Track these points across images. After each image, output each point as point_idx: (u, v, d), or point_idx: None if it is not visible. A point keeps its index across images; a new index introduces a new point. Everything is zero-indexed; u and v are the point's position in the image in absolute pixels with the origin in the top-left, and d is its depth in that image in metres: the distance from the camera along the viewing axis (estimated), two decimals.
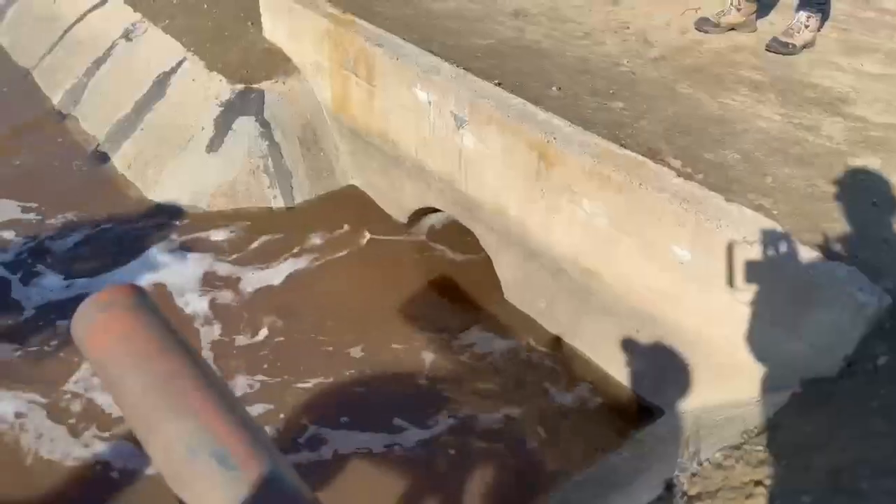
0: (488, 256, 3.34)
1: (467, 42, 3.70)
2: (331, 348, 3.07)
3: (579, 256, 2.74)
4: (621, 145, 2.63)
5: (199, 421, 1.52)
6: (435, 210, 3.65)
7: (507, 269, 3.23)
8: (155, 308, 1.86)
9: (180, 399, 1.47)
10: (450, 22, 3.97)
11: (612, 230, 2.54)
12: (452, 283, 3.46)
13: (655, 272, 2.46)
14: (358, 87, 3.66)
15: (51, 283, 3.34)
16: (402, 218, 3.82)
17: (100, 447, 2.62)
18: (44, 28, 5.37)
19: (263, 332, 3.14)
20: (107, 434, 2.66)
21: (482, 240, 3.29)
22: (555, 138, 2.65)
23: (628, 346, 2.69)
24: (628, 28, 3.87)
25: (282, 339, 3.13)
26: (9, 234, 3.62)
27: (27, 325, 3.12)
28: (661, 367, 2.60)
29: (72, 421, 2.71)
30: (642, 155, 2.58)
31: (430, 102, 3.19)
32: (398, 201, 3.81)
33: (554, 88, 3.20)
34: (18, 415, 2.71)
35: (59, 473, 2.54)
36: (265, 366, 2.97)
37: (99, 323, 1.69)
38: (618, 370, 2.83)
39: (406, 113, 3.39)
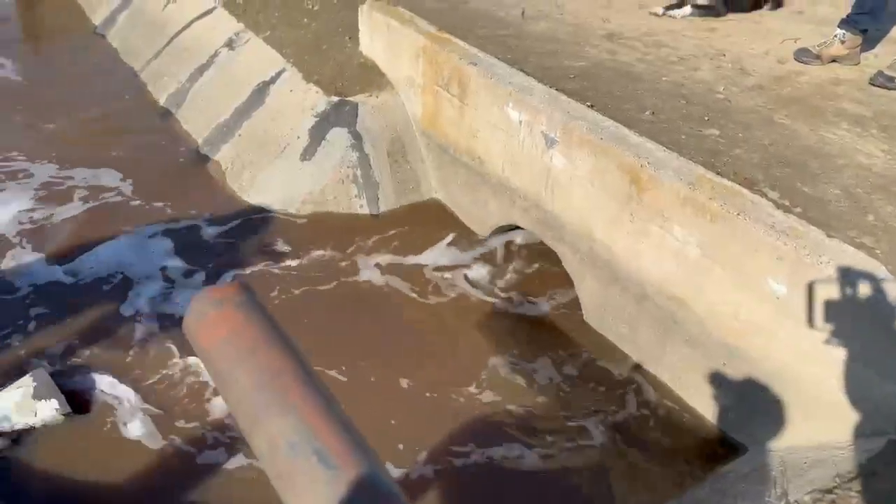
0: (568, 277, 3.34)
1: (560, 63, 3.73)
2: (398, 359, 3.12)
3: (666, 283, 2.71)
4: (717, 174, 2.60)
5: (300, 418, 1.59)
6: (517, 228, 3.68)
7: (588, 292, 3.22)
8: (262, 306, 1.96)
9: (284, 396, 1.54)
10: (544, 43, 4.01)
11: (704, 259, 2.51)
12: (528, 301, 3.47)
13: (748, 304, 2.41)
14: (449, 104, 3.74)
15: (147, 272, 3.52)
16: (484, 233, 3.86)
17: (191, 436, 2.74)
18: (152, 33, 5.69)
19: (338, 332, 3.22)
20: (198, 424, 2.79)
21: (564, 260, 3.30)
22: (648, 163, 2.65)
23: (713, 378, 2.64)
24: (724, 55, 3.83)
25: (356, 337, 3.20)
26: (114, 227, 3.83)
27: (129, 316, 3.29)
28: (748, 403, 2.54)
29: (167, 409, 2.84)
30: (738, 184, 2.54)
31: (521, 122, 3.23)
32: (481, 217, 3.85)
33: (647, 113, 3.19)
34: (118, 399, 2.87)
35: (150, 458, 2.67)
36: (343, 367, 3.04)
37: (210, 318, 1.79)
38: (701, 402, 2.78)
39: (496, 131, 3.43)
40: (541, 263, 3.66)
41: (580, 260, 3.17)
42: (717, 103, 3.31)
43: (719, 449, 2.66)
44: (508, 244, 3.84)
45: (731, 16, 4.36)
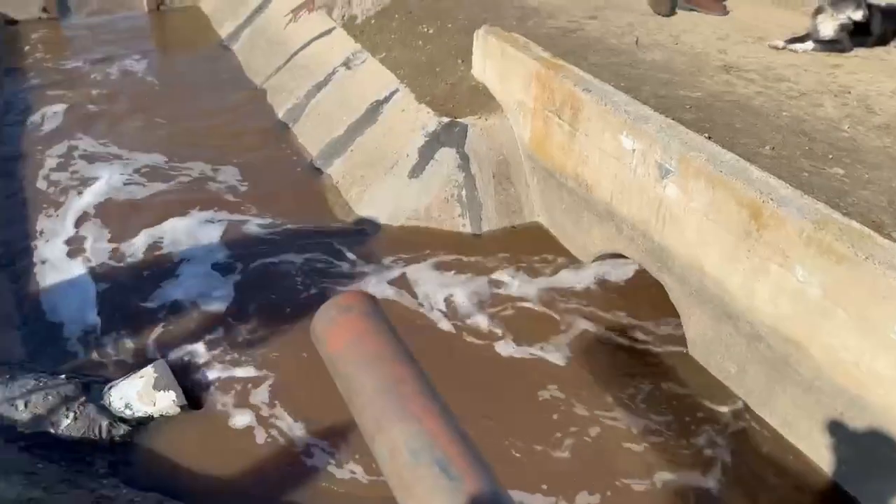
0: (673, 309, 3.28)
1: (675, 93, 3.70)
2: (496, 382, 3.14)
3: (783, 324, 2.63)
4: (843, 214, 2.51)
5: (422, 427, 1.64)
6: (620, 256, 3.65)
7: (695, 326, 3.15)
8: (385, 316, 2.03)
9: (406, 404, 1.59)
10: (658, 72, 3.98)
11: (826, 301, 2.43)
12: (630, 331, 3.42)
13: (872, 352, 2.31)
14: (559, 129, 3.76)
15: (260, 274, 3.69)
16: (586, 259, 3.84)
17: (299, 436, 2.85)
18: (273, 51, 5.99)
19: (436, 351, 3.26)
20: (307, 424, 2.89)
21: (671, 293, 3.24)
22: (771, 199, 2.58)
23: (829, 426, 2.54)
24: (849, 92, 3.69)
25: (451, 359, 3.24)
26: (229, 229, 4.04)
27: (243, 316, 3.46)
28: (867, 456, 2.42)
29: (279, 407, 2.97)
30: (865, 226, 2.45)
31: (634, 150, 3.22)
32: (583, 243, 3.84)
33: (767, 147, 3.12)
34: (231, 395, 3.02)
35: (257, 454, 2.79)
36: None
37: (337, 324, 1.87)
38: (814, 451, 2.67)
39: (607, 158, 3.43)
40: (643, 293, 3.61)
41: (688, 293, 3.11)
42: (841, 141, 3.20)
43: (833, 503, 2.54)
44: (610, 272, 3.81)
45: (856, 51, 4.20)
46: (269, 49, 6.05)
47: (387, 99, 4.66)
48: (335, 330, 1.87)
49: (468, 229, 4.09)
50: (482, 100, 4.34)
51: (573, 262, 3.88)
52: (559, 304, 3.58)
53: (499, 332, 3.40)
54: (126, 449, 2.79)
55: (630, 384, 3.11)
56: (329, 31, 5.61)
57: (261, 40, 6.26)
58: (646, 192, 3.21)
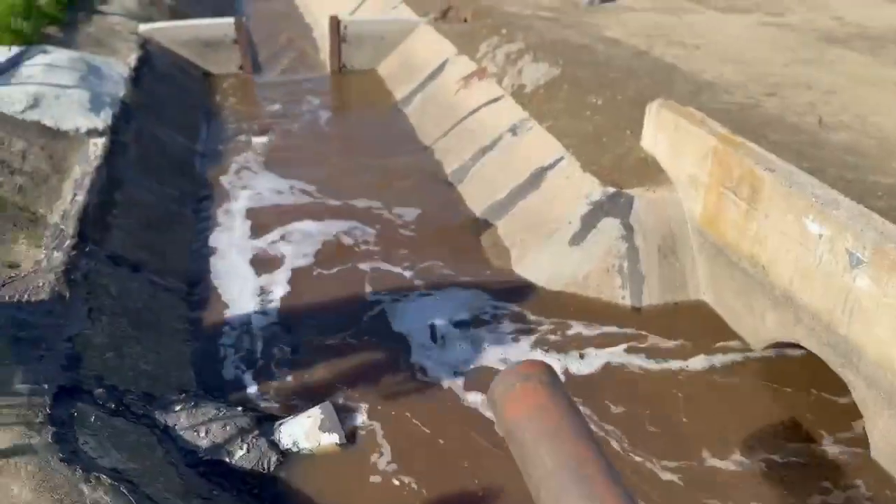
0: (855, 407, 3.03)
1: (864, 178, 3.51)
2: (638, 459, 3.02)
3: None
4: None
5: None
6: (795, 345, 3.43)
7: (883, 430, 2.89)
8: (563, 388, 2.03)
9: (589, 485, 1.57)
10: (843, 155, 3.80)
11: None
12: (804, 426, 3.19)
13: None
14: (735, 207, 3.65)
15: (418, 323, 3.80)
16: (756, 345, 3.65)
17: (451, 490, 2.87)
18: (443, 114, 6.28)
19: (595, 418, 3.19)
20: (460, 480, 2.91)
21: (855, 392, 3.00)
22: None
23: None
24: None
25: (612, 426, 3.15)
26: (388, 276, 4.21)
27: (402, 363, 3.57)
28: None
29: (430, 456, 3.02)
30: None
31: (820, 236, 3.06)
32: (754, 328, 3.66)
33: None
34: (385, 438, 3.10)
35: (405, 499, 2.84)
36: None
37: (516, 392, 1.90)
38: None
39: (787, 241, 3.28)
40: (819, 388, 3.37)
41: (876, 394, 2.87)
42: None
43: None
44: (782, 360, 3.59)
45: None
46: (439, 113, 6.35)
47: (551, 166, 4.74)
48: (513, 397, 1.90)
49: (628, 301, 4.02)
50: (650, 172, 4.31)
51: (742, 345, 3.70)
52: (725, 391, 3.41)
53: (659, 411, 3.29)
54: (288, 482, 2.93)
55: (799, 488, 2.88)
56: (497, 99, 5.81)
57: (432, 104, 6.59)
58: (831, 281, 3.03)
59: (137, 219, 4.43)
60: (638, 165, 4.40)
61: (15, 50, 5.64)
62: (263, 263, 4.37)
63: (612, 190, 4.22)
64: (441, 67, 6.93)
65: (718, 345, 3.70)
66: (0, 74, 5.11)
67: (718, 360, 3.61)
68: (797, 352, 3.51)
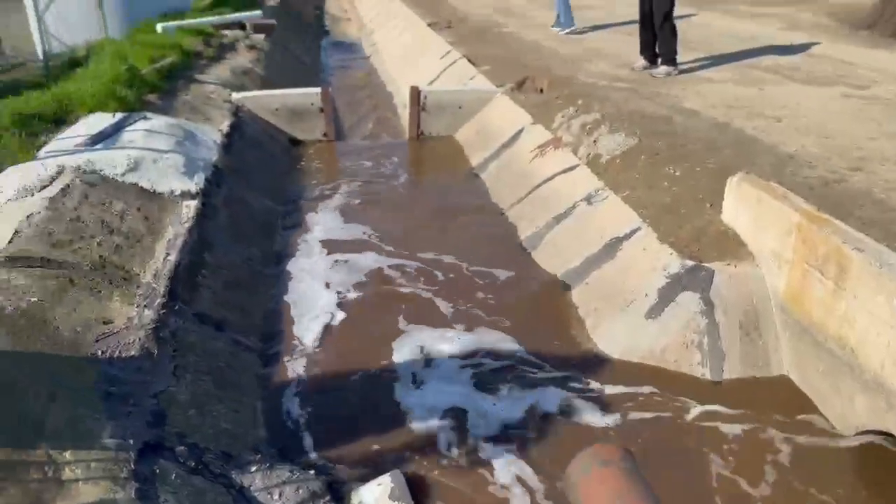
0: None
1: None
2: None
3: None
4: None
5: None
6: (889, 434, 3.24)
7: None
8: (643, 476, 1.98)
9: None
10: None
11: None
12: None
13: None
14: (821, 286, 3.53)
15: (488, 394, 3.78)
16: (845, 431, 3.46)
17: None
18: (517, 182, 6.36)
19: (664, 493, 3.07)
20: None
21: None
22: None
23: None
24: None
25: None
26: (470, 343, 4.22)
27: (468, 437, 3.55)
28: None
29: None
30: None
31: None
32: (843, 411, 3.48)
33: None
34: None
35: None
36: None
37: (595, 474, 1.86)
38: None
39: (879, 324, 3.14)
40: None
41: None
42: None
43: None
44: (874, 448, 3.39)
45: None
46: (514, 179, 6.45)
47: (627, 236, 4.71)
48: (592, 482, 1.86)
49: (707, 376, 3.90)
50: (731, 246, 4.23)
51: (829, 429, 3.52)
52: (809, 474, 3.24)
53: (736, 489, 3.14)
54: None
55: None
56: (573, 168, 5.86)
57: (507, 171, 6.70)
58: None
59: (223, 278, 4.63)
60: (718, 238, 4.32)
61: (118, 116, 6.07)
62: (337, 324, 4.46)
63: (690, 263, 4.16)
64: (517, 136, 7.05)
65: (803, 425, 3.54)
66: (105, 139, 5.50)
67: (804, 440, 3.44)
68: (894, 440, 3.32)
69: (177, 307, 3.82)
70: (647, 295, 4.20)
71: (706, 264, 4.12)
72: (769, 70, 7.86)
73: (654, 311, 4.13)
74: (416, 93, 8.07)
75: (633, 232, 4.69)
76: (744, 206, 4.18)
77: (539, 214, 5.69)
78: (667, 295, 4.13)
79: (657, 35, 7.69)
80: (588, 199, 5.35)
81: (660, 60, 7.82)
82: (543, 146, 6.47)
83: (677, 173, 5.03)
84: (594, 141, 5.94)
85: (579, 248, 4.99)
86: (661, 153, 5.34)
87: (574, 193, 5.55)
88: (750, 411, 3.66)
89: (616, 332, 4.21)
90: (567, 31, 11.12)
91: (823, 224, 3.55)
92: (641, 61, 8.08)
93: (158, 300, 3.77)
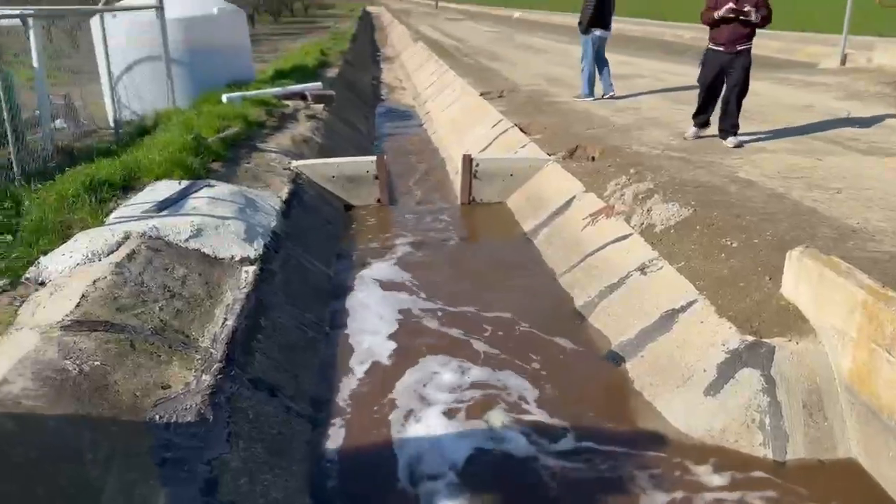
0: None
1: None
2: None
3: None
4: None
5: None
6: None
7: None
8: None
9: None
10: None
11: None
12: None
13: None
14: (889, 367, 3.39)
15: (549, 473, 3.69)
16: None
17: None
18: (570, 249, 6.35)
19: None
20: None
21: None
22: None
23: None
24: None
25: None
26: (521, 418, 4.15)
27: None
28: None
29: None
30: None
31: None
32: None
33: None
34: None
35: None
36: None
37: None
38: None
39: None
40: None
41: None
42: None
43: None
44: None
45: None
46: (566, 246, 6.44)
47: (683, 308, 4.63)
48: None
49: (770, 457, 3.74)
50: (792, 321, 4.11)
51: None
52: None
53: None
54: None
55: None
56: (625, 237, 5.82)
57: (559, 238, 6.70)
58: None
59: (277, 342, 4.69)
60: (778, 314, 4.20)
61: (184, 184, 6.32)
62: (387, 392, 4.45)
63: (750, 339, 4.05)
64: (568, 203, 7.07)
65: None
66: (170, 206, 5.72)
67: None
68: None
69: (233, 372, 3.88)
70: (705, 370, 4.09)
71: (767, 340, 4.00)
72: (827, 140, 7.77)
73: (714, 388, 4.01)
74: (468, 160, 8.21)
75: (690, 304, 4.61)
76: (805, 281, 4.08)
77: (592, 282, 5.64)
78: (726, 371, 4.02)
79: (726, 106, 7.65)
80: (642, 269, 5.30)
81: (721, 130, 7.83)
82: (595, 214, 6.47)
83: (734, 245, 4.95)
84: (647, 210, 5.92)
85: (634, 318, 4.92)
86: (716, 224, 5.28)
87: (627, 262, 5.50)
88: (815, 495, 3.48)
89: (673, 409, 4.10)
90: (586, 98, 11.45)
91: (891, 302, 3.43)
92: (692, 129, 8.09)
93: (215, 365, 3.83)
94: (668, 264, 5.11)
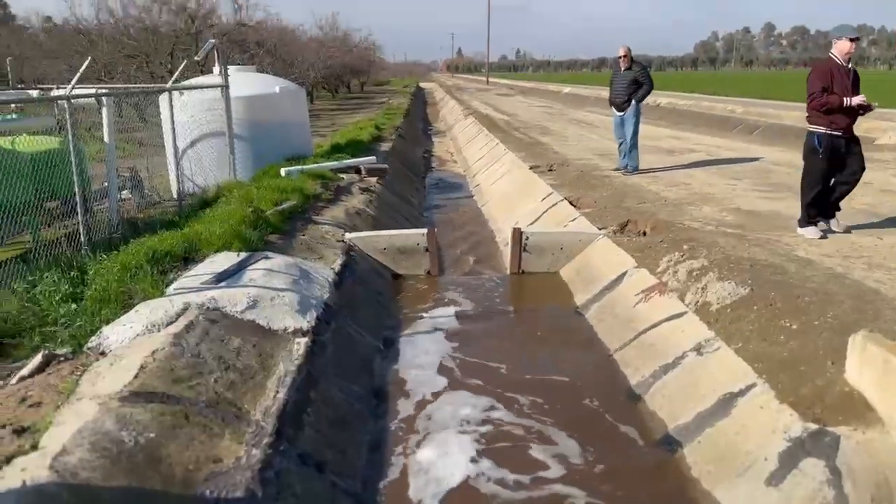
0: None
1: None
2: None
3: None
4: None
5: None
6: None
7: None
8: None
9: None
10: None
11: None
12: None
13: None
14: None
15: None
16: None
17: None
18: (622, 325, 6.25)
19: None
20: None
21: None
22: None
23: None
24: None
25: None
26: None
27: None
28: None
29: None
30: None
31: None
32: None
33: None
34: None
35: None
36: None
37: None
38: None
39: None
40: None
41: None
42: None
43: None
44: None
45: None
46: (617, 323, 6.35)
47: (742, 392, 4.48)
48: None
49: None
50: (858, 408, 3.93)
51: None
52: None
53: None
54: None
55: None
56: (679, 315, 5.72)
57: (610, 314, 6.61)
58: None
59: (326, 416, 4.70)
60: (843, 400, 4.03)
61: (242, 255, 6.51)
62: (432, 472, 4.38)
63: (814, 427, 3.88)
64: (620, 278, 7.01)
65: None
66: (228, 277, 5.88)
67: None
68: None
69: (282, 447, 3.89)
70: (766, 459, 3.92)
71: (831, 429, 3.83)
72: (887, 218, 7.57)
73: (776, 478, 3.83)
74: (517, 234, 8.26)
75: (749, 388, 4.46)
76: (869, 367, 3.92)
77: (646, 361, 5.53)
78: (788, 460, 3.84)
79: (839, 189, 7.11)
80: (698, 350, 5.17)
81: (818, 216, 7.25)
82: (648, 290, 6.39)
83: (794, 326, 4.81)
84: (702, 288, 5.82)
85: (690, 401, 4.77)
86: (774, 304, 5.15)
87: (682, 342, 5.38)
88: None
89: (734, 498, 3.92)
90: (623, 170, 11.58)
91: None
92: (810, 228, 7.21)
93: (266, 439, 3.85)
94: (725, 345, 4.99)
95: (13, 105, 9.38)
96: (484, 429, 4.86)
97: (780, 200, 8.92)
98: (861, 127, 14.94)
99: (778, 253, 6.34)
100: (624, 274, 7.01)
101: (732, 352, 4.84)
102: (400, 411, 5.16)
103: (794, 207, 7.73)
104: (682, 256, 6.55)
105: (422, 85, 73.96)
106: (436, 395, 5.36)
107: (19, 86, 11.77)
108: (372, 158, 12.98)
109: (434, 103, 50.10)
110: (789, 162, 11.65)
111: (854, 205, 8.34)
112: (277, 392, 4.44)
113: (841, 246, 6.46)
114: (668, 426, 4.72)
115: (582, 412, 5.04)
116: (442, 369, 5.78)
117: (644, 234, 7.94)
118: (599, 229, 8.23)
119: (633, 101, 11.09)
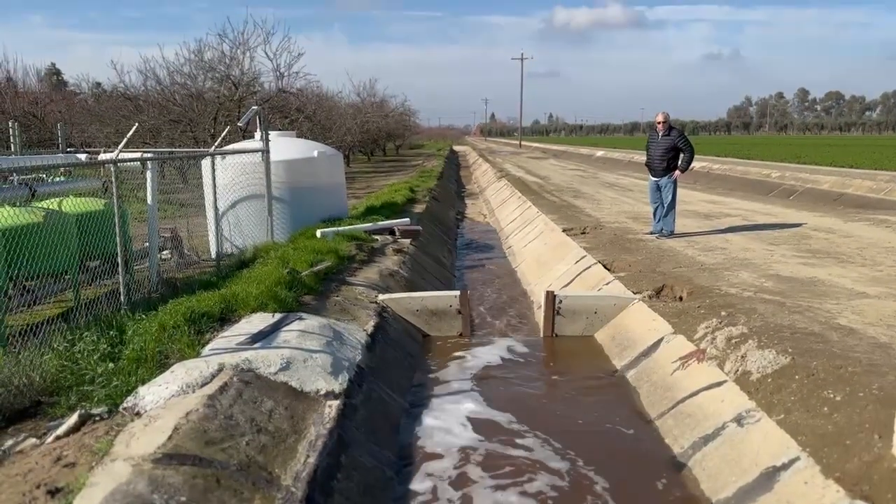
0: None
1: None
2: None
3: None
4: None
5: None
6: None
7: None
8: None
9: None
10: None
11: None
12: None
13: None
14: None
15: None
16: None
17: None
18: (659, 394, 6.11)
19: None
20: None
21: None
22: None
23: None
24: None
25: None
26: None
27: None
28: None
29: None
30: None
31: None
32: None
33: None
34: None
35: None
36: None
37: None
38: None
39: None
40: None
41: None
42: None
43: None
44: None
45: None
46: (655, 391, 6.20)
47: (785, 466, 4.31)
48: None
49: None
50: None
51: None
52: None
53: None
54: None
55: None
56: (719, 384, 5.58)
57: (647, 381, 6.48)
58: None
59: (355, 482, 4.63)
60: (891, 477, 3.85)
61: (277, 316, 6.57)
62: None
63: None
64: (656, 345, 6.89)
65: None
66: (263, 338, 5.93)
67: None
68: None
69: None
70: None
71: None
72: None
73: None
74: (551, 297, 8.21)
75: (792, 462, 4.30)
76: None
77: (685, 431, 5.37)
78: None
79: None
80: (738, 420, 5.02)
81: None
82: (686, 358, 6.26)
83: (837, 398, 4.65)
84: (742, 356, 5.69)
85: (732, 474, 4.61)
86: (817, 374, 5.00)
87: (722, 412, 5.23)
88: None
89: None
90: (658, 234, 11.56)
91: None
92: None
93: None
94: (766, 416, 4.83)
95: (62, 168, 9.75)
96: (518, 490, 4.73)
97: (820, 267, 8.75)
98: None
99: (819, 321, 6.19)
100: (661, 340, 6.89)
101: (774, 423, 4.69)
102: (426, 477, 5.06)
103: (835, 274, 7.58)
104: (720, 323, 6.44)
105: (455, 148, 75.12)
106: (463, 462, 5.25)
107: (69, 150, 12.24)
108: (406, 220, 13.14)
109: (467, 166, 50.78)
110: (828, 227, 11.46)
111: (889, 265, 8.15)
112: (308, 456, 4.41)
113: (884, 314, 6.29)
114: (713, 499, 4.54)
115: (622, 483, 4.88)
116: (471, 432, 5.69)
117: (680, 299, 7.83)
118: (634, 293, 8.15)
119: (678, 171, 11.11)
